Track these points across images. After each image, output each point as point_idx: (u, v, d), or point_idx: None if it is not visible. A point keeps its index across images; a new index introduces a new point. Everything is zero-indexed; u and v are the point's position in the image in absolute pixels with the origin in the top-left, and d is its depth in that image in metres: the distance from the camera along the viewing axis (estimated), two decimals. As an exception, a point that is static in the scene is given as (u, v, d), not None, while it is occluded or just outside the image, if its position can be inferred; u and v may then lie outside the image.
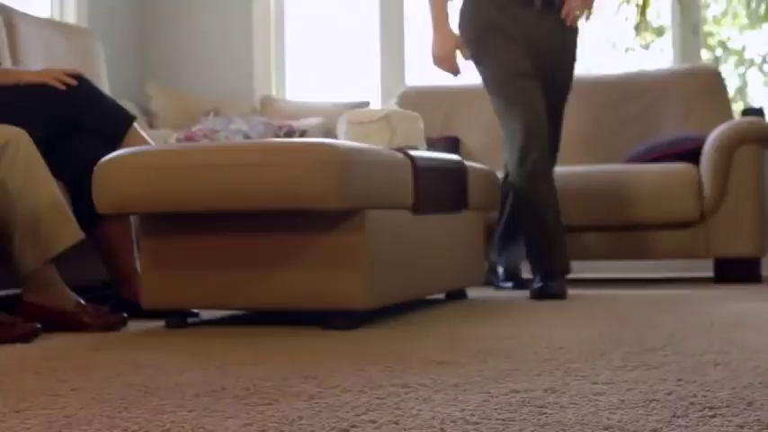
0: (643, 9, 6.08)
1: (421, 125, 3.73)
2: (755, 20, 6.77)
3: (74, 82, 3.63)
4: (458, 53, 4.29)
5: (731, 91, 7.36)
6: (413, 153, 3.41)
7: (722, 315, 3.24)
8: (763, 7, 5.90)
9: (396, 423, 1.61)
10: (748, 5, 7.06)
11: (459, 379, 2.05)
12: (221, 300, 3.19)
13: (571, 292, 4.37)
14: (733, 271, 4.95)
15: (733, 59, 7.71)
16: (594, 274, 5.72)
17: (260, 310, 3.50)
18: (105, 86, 5.20)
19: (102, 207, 3.15)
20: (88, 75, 4.56)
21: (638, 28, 6.32)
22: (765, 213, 4.95)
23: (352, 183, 2.94)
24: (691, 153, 5.07)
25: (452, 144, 5.71)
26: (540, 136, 4.13)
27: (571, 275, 5.47)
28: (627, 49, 7.74)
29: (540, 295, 4.02)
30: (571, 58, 4.44)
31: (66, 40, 4.93)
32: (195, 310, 3.50)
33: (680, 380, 1.98)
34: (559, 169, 5.05)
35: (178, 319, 3.28)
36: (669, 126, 5.56)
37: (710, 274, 5.39)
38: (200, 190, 3.02)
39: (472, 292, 4.48)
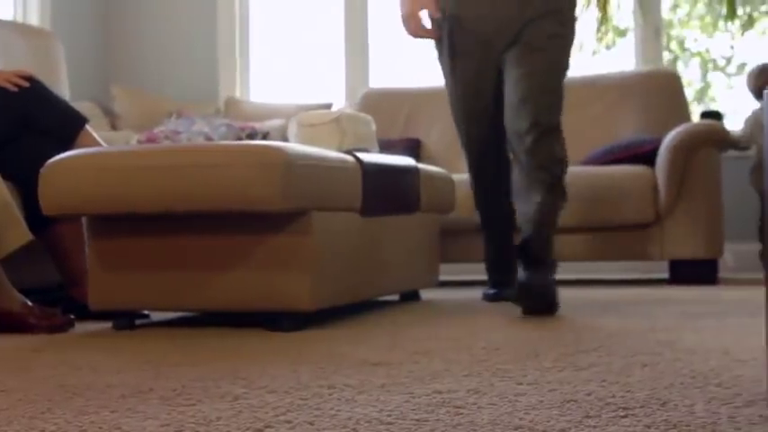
0: (604, 8, 6.11)
1: (373, 127, 3.75)
2: (718, 22, 6.81)
3: (25, 83, 3.64)
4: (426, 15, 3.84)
5: (693, 93, 7.41)
6: (361, 155, 3.43)
7: (666, 316, 3.27)
8: (724, 10, 5.94)
9: (311, 423, 1.63)
10: (711, 8, 7.10)
11: (386, 380, 2.07)
12: (168, 301, 3.20)
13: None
14: (688, 273, 4.99)
15: (696, 61, 7.76)
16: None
17: (207, 312, 3.51)
18: (66, 88, 5.20)
19: (48, 208, 3.16)
20: (48, 76, 4.58)
21: (599, 28, 6.36)
22: (723, 216, 4.99)
23: (296, 185, 2.95)
24: (648, 155, 5.11)
25: (413, 146, 5.73)
26: (489, 154, 3.92)
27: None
28: (594, 52, 7.79)
29: (493, 299, 4.03)
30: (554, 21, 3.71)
31: (25, 41, 4.93)
32: (145, 312, 3.52)
33: (604, 381, 2.00)
34: (517, 171, 5.08)
35: (125, 320, 3.29)
36: (628, 128, 5.60)
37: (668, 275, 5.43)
38: (146, 192, 3.03)
39: (427, 294, 4.50)
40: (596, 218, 4.90)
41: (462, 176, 5.15)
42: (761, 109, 5.49)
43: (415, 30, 3.76)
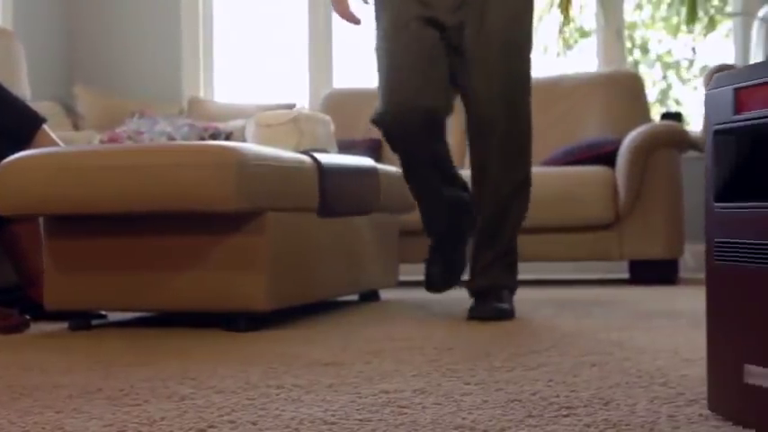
0: (566, 10, 6.14)
1: (331, 128, 3.75)
2: (681, 25, 6.85)
3: (-19, 83, 3.62)
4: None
5: (656, 94, 7.45)
6: (319, 156, 3.43)
7: (621, 316, 3.29)
8: (684, 12, 5.97)
9: (254, 423, 1.64)
10: (672, 10, 7.14)
11: (335, 380, 2.08)
12: (124, 301, 3.20)
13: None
14: (648, 272, 5.02)
15: (659, 63, 7.80)
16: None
17: (163, 312, 3.51)
18: (26, 88, 5.18)
19: (3, 209, 3.14)
20: (7, 76, 4.56)
21: (561, 30, 6.39)
22: (683, 216, 5.02)
23: (251, 185, 2.95)
24: (608, 156, 5.14)
25: (376, 146, 5.74)
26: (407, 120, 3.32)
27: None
28: (558, 54, 7.82)
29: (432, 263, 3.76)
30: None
31: (-16, 41, 4.91)
32: (102, 312, 3.51)
33: (551, 381, 2.02)
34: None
35: (81, 320, 3.28)
36: (590, 129, 5.63)
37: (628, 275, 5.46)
38: (101, 192, 3.02)
39: (386, 294, 4.51)
40: (556, 218, 4.92)
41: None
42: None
43: (343, 15, 3.49)
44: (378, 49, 3.36)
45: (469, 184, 3.49)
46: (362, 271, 3.86)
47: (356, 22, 3.49)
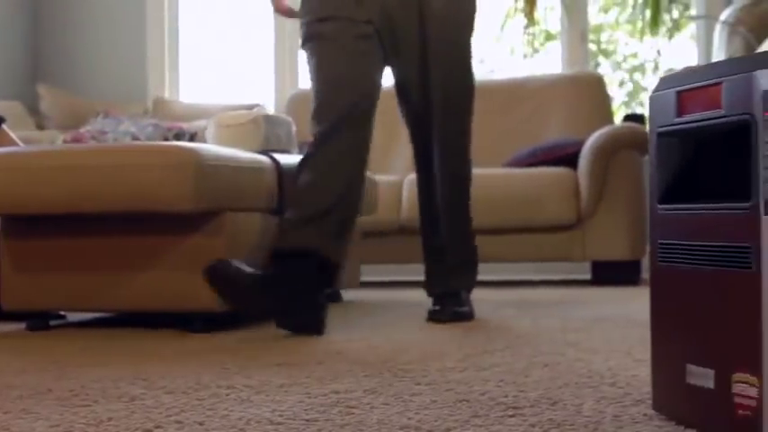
0: (530, 13, 6.16)
1: (293, 129, 3.75)
2: (644, 28, 6.89)
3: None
4: None
5: (623, 96, 7.49)
6: (278, 156, 3.43)
7: (580, 317, 3.31)
8: (648, 14, 6.00)
9: (201, 424, 1.64)
10: (635, 14, 7.18)
11: (287, 380, 2.08)
12: (82, 301, 3.19)
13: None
14: (610, 273, 5.04)
15: (626, 65, 7.85)
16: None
17: (121, 312, 3.50)
18: (-12, 86, 5.15)
19: (-41, 209, 3.13)
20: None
21: (525, 32, 6.41)
22: (645, 217, 5.05)
23: (208, 185, 2.95)
24: (571, 157, 5.16)
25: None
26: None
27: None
28: (525, 56, 7.85)
29: None
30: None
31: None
32: (61, 313, 3.50)
33: (501, 381, 2.03)
34: (441, 173, 5.12)
35: (39, 321, 3.27)
36: (553, 131, 5.65)
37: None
38: (58, 192, 3.01)
39: (348, 295, 4.51)
40: (519, 219, 4.94)
41: (385, 177, 5.18)
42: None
43: (278, 9, 3.50)
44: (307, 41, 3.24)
45: None
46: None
47: (292, 15, 3.48)
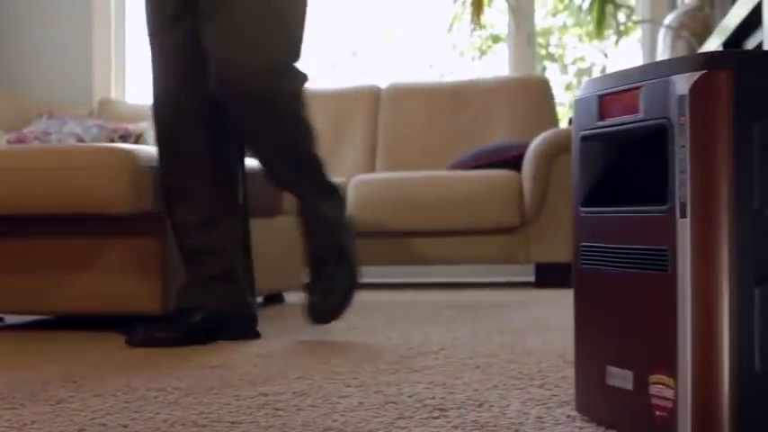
0: (477, 16, 6.18)
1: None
2: (594, 30, 6.93)
3: None
4: None
5: (571, 100, 7.53)
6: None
7: (518, 319, 3.32)
8: (592, 17, 6.04)
9: (125, 426, 1.63)
10: (579, 20, 7.23)
11: (218, 382, 2.07)
12: (18, 304, 3.16)
13: (383, 296, 4.42)
14: (554, 276, 5.07)
15: (573, 69, 7.89)
16: (417, 278, 5.79)
17: (59, 315, 3.48)
18: (-71, 86, 5.10)
19: None
20: None
21: (471, 34, 6.43)
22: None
23: (144, 187, 2.94)
24: (515, 160, 5.18)
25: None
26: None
27: (390, 280, 5.54)
28: (473, 58, 7.88)
29: None
30: None
31: None
32: (-1, 315, 3.47)
33: (431, 383, 2.03)
34: (386, 175, 5.13)
35: (-25, 323, 3.24)
36: (499, 133, 5.68)
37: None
38: (-7, 193, 2.99)
39: (292, 297, 4.50)
40: (463, 221, 4.95)
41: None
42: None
43: None
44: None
45: None
46: (267, 273, 3.85)
47: None
